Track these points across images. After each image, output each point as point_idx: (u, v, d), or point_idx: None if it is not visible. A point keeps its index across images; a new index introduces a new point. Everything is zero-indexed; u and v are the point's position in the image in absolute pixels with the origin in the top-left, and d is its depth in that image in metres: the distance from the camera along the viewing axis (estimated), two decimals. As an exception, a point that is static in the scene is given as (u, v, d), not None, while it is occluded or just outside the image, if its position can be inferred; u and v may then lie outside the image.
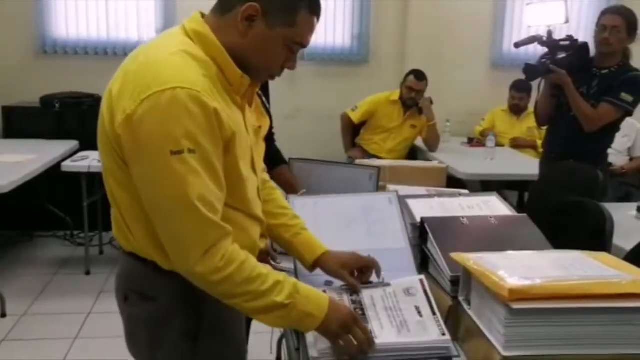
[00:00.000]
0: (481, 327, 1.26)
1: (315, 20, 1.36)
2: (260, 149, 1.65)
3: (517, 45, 3.46)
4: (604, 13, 3.23)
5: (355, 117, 5.02)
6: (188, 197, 1.21)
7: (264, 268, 1.32)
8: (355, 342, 1.29)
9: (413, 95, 4.84)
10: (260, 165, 1.58)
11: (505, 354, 1.16)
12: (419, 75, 4.83)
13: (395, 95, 4.97)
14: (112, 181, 1.35)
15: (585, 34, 4.93)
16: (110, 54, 5.19)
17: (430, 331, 1.35)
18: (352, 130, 5.13)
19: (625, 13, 3.17)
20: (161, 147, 1.19)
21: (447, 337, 1.33)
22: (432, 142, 4.88)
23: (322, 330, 1.32)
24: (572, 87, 3.18)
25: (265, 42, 1.32)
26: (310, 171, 2.48)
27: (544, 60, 3.28)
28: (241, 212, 1.40)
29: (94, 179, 4.18)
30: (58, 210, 4.84)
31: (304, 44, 1.37)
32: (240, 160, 1.34)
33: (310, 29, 1.36)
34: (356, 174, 2.43)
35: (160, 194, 1.23)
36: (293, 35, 1.33)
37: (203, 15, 1.39)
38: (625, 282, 1.19)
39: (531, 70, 3.31)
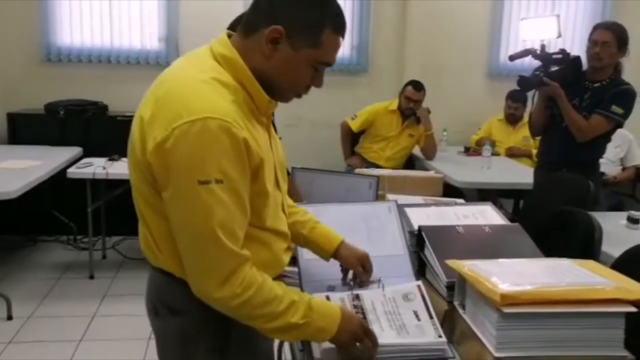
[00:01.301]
0: (475, 329, 1.33)
1: (341, 38, 1.36)
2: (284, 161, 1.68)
3: (512, 58, 3.55)
4: (595, 28, 3.31)
5: (354, 125, 5.11)
6: (212, 227, 1.23)
7: (279, 288, 1.34)
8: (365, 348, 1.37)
9: (411, 105, 4.92)
10: (284, 179, 1.58)
11: (497, 355, 1.23)
12: (417, 86, 4.92)
13: (394, 105, 5.05)
14: (141, 200, 1.38)
15: (579, 47, 5.02)
16: (114, 62, 5.26)
17: (428, 334, 1.43)
18: (352, 139, 5.21)
19: (615, 29, 3.25)
20: (190, 177, 1.22)
21: (443, 339, 1.41)
22: (430, 151, 4.96)
23: (334, 341, 1.37)
24: (564, 99, 3.27)
25: (290, 64, 1.33)
26: (312, 180, 2.55)
27: (537, 72, 3.37)
28: (266, 230, 1.42)
29: (98, 185, 4.27)
30: (60, 215, 4.90)
31: (329, 63, 1.37)
32: (267, 182, 1.37)
33: (336, 48, 1.36)
34: (356, 183, 2.51)
35: (185, 221, 1.26)
36: (318, 55, 1.33)
37: (230, 35, 1.39)
38: (609, 289, 1.27)
39: (525, 82, 3.40)
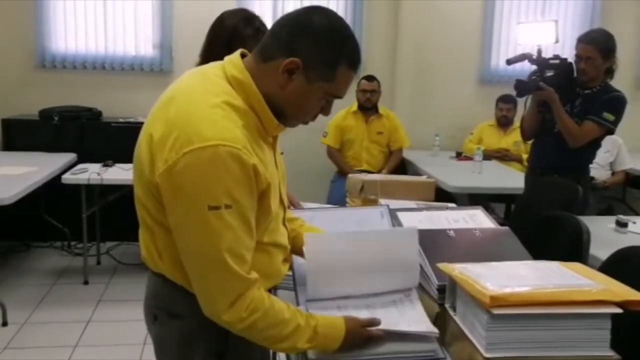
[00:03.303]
0: (465, 331, 1.36)
1: (354, 72, 1.38)
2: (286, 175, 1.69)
3: (509, 62, 3.57)
4: (578, 41, 3.30)
5: (331, 141, 5.21)
6: (220, 252, 1.26)
7: (287, 312, 1.37)
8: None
9: (368, 96, 5.08)
10: (285, 194, 1.59)
11: (487, 355, 1.26)
12: (369, 77, 5.12)
13: (354, 107, 5.18)
14: (145, 212, 1.39)
15: (569, 50, 5.05)
16: (108, 68, 5.29)
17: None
18: (339, 154, 5.27)
19: (598, 41, 3.24)
20: (200, 202, 1.23)
21: (435, 342, 1.44)
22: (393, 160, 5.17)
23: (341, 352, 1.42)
24: (559, 105, 3.28)
25: (303, 95, 1.35)
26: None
27: (533, 77, 3.40)
28: (264, 244, 1.44)
29: (92, 191, 4.29)
30: (55, 221, 4.91)
31: (340, 96, 1.39)
32: (272, 202, 1.39)
33: (348, 83, 1.38)
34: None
35: (194, 245, 1.28)
36: (331, 89, 1.36)
37: (243, 55, 1.40)
38: (596, 290, 1.30)
39: (522, 86, 3.42)
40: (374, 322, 1.43)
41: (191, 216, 1.26)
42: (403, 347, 1.43)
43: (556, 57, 3.44)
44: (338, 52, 1.33)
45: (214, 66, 1.41)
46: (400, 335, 1.44)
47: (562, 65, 3.39)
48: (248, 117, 1.33)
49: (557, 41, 3.62)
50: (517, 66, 4.04)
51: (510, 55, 3.67)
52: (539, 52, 3.45)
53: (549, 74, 3.37)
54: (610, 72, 3.35)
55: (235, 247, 1.28)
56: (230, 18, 2.25)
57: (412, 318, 1.50)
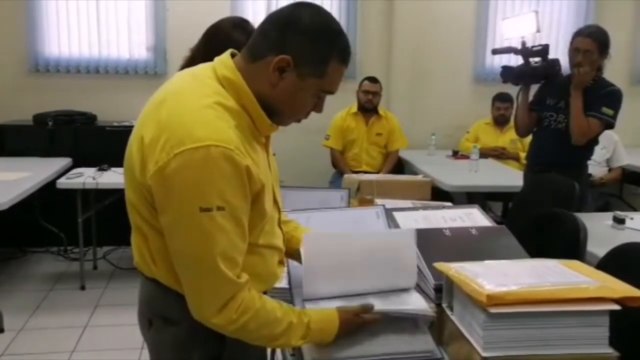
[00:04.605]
0: (462, 330, 1.35)
1: (344, 67, 1.37)
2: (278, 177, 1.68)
3: (495, 52, 3.69)
4: (577, 35, 3.34)
5: (334, 144, 5.20)
6: (212, 255, 1.24)
7: (279, 310, 1.36)
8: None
9: (370, 97, 5.10)
10: (279, 196, 1.56)
11: (484, 354, 1.25)
12: (372, 79, 5.14)
13: (354, 108, 5.19)
14: (137, 216, 1.37)
15: (563, 48, 5.05)
16: (102, 72, 5.28)
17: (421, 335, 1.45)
18: (342, 156, 5.27)
19: (596, 35, 3.27)
20: (191, 203, 1.22)
21: (432, 342, 1.44)
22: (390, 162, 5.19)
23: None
24: (580, 99, 3.27)
25: (295, 93, 1.33)
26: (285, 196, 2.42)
27: (522, 67, 3.47)
28: (259, 246, 1.42)
29: (88, 196, 4.27)
30: (51, 226, 4.89)
31: (332, 92, 1.38)
32: (267, 204, 1.37)
33: (340, 78, 1.37)
34: (329, 196, 2.49)
35: (185, 247, 1.27)
36: (323, 85, 1.34)
37: (233, 55, 1.39)
38: (593, 288, 1.29)
39: (507, 72, 3.51)
40: (367, 309, 1.44)
41: (183, 218, 1.24)
42: (401, 347, 1.42)
43: (539, 45, 3.47)
44: (329, 48, 1.32)
45: (204, 67, 1.39)
46: (397, 333, 1.44)
47: (544, 51, 3.42)
48: (240, 117, 1.32)
49: (538, 31, 3.71)
50: (512, 61, 4.05)
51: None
52: (523, 43, 3.49)
53: (536, 63, 3.40)
54: (599, 70, 3.37)
55: (228, 250, 1.27)
56: (234, 32, 2.18)
57: (409, 300, 1.50)
